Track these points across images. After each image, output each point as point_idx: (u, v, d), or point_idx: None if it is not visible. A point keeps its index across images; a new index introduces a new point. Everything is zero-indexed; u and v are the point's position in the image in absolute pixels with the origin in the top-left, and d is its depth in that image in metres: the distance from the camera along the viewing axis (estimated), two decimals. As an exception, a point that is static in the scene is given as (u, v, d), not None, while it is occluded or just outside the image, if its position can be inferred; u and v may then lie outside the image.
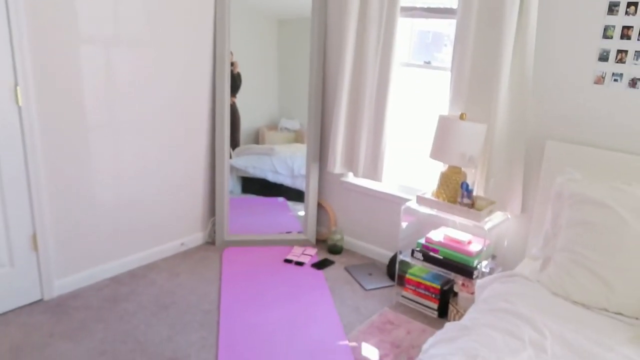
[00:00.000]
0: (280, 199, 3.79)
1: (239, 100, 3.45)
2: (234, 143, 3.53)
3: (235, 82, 3.41)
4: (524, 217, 2.68)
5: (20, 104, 2.39)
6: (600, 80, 2.35)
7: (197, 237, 3.47)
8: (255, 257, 3.32)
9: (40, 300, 2.65)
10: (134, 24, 2.76)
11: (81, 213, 2.75)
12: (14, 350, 2.24)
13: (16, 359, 2.19)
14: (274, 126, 3.70)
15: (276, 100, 3.64)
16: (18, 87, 2.37)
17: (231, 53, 3.33)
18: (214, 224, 3.50)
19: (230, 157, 3.48)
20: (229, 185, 3.46)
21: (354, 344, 2.43)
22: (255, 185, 3.78)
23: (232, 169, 3.66)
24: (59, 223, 2.67)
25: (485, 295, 2.11)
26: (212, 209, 3.52)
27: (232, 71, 3.37)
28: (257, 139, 3.72)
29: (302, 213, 3.62)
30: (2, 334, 2.36)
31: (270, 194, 3.76)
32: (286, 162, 3.71)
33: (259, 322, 2.57)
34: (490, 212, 2.56)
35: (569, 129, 2.47)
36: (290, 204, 3.73)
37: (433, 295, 2.72)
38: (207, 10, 3.14)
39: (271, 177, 3.73)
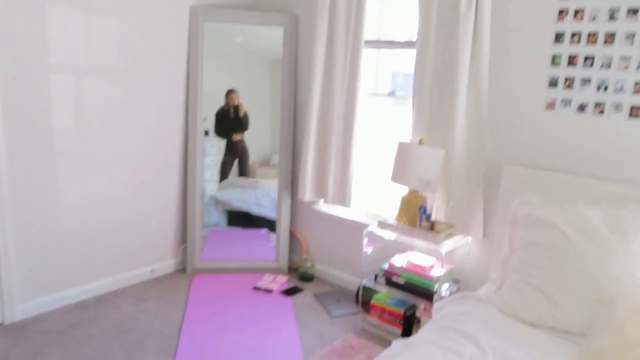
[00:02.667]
0: (264, 231, 3.81)
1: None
2: (244, 176, 3.72)
3: (242, 124, 3.56)
4: (486, 241, 2.70)
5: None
6: (551, 106, 2.42)
7: (168, 264, 3.47)
8: (224, 284, 3.31)
9: (1, 324, 2.63)
10: (106, 54, 2.85)
11: (47, 239, 2.77)
12: (-35, 373, 2.22)
13: (-34, 382, 2.17)
14: (266, 162, 3.80)
15: (269, 137, 3.75)
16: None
17: (236, 94, 3.48)
18: (185, 251, 3.51)
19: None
20: (202, 212, 3.48)
21: (312, 368, 2.40)
22: (240, 218, 3.81)
23: (217, 202, 3.71)
24: (24, 249, 2.68)
25: (439, 316, 2.11)
26: (184, 237, 3.54)
27: (237, 113, 3.50)
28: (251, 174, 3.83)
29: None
30: (-44, 356, 2.34)
31: (255, 226, 3.80)
32: (270, 195, 3.75)
33: (218, 348, 2.54)
34: (450, 236, 2.58)
35: (524, 153, 2.53)
36: (273, 235, 3.75)
37: (397, 321, 2.71)
38: (180, 44, 3.22)
39: (255, 210, 3.76)
